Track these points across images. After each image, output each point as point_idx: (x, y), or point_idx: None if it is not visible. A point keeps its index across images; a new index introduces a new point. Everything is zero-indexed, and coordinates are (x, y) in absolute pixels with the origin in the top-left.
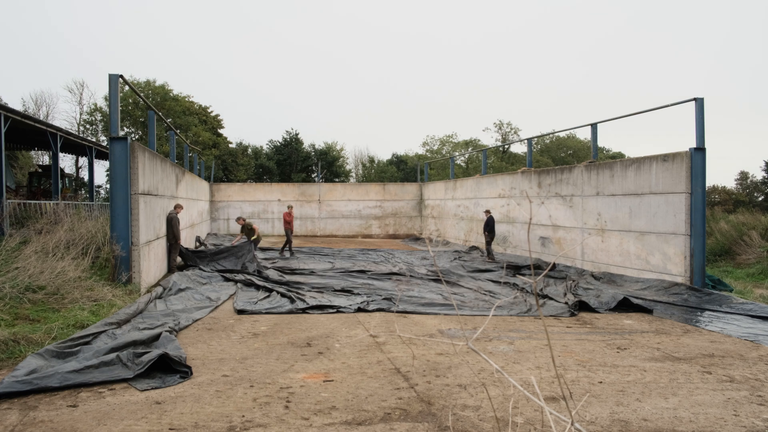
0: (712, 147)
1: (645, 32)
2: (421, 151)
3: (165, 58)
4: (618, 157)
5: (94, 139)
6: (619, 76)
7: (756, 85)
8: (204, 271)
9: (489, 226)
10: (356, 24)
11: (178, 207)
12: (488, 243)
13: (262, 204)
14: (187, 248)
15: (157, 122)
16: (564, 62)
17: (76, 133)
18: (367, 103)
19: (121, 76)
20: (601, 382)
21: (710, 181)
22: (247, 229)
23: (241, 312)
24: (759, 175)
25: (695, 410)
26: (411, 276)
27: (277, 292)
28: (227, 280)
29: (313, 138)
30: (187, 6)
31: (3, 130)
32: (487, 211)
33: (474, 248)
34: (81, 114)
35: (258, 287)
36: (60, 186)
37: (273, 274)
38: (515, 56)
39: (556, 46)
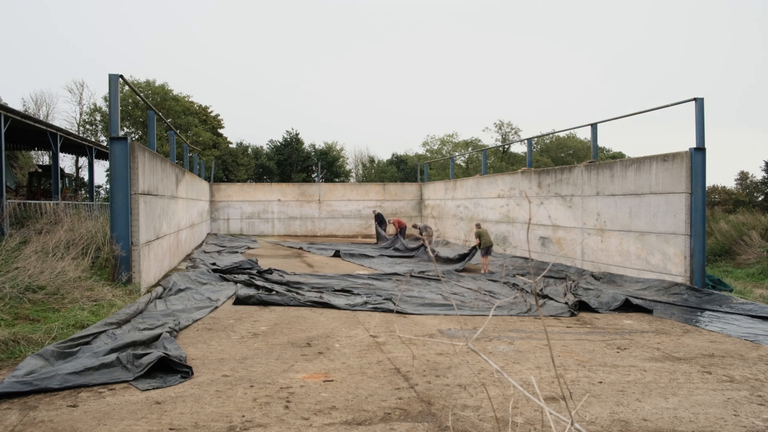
0: (711, 147)
1: (645, 32)
2: (421, 151)
3: (165, 58)
4: (618, 157)
5: (94, 139)
6: (619, 76)
7: (756, 84)
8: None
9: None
10: (356, 23)
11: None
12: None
13: (262, 204)
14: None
15: (157, 122)
16: (564, 62)
17: (76, 133)
18: (367, 102)
19: (121, 76)
20: (601, 382)
21: (710, 181)
22: None
23: (241, 301)
24: (759, 175)
25: (695, 410)
26: (411, 276)
27: (277, 292)
28: (226, 280)
29: (313, 138)
30: (187, 5)
31: (3, 130)
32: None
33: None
34: (81, 114)
35: (258, 287)
36: (60, 186)
37: (273, 274)
38: (516, 56)
39: (557, 45)
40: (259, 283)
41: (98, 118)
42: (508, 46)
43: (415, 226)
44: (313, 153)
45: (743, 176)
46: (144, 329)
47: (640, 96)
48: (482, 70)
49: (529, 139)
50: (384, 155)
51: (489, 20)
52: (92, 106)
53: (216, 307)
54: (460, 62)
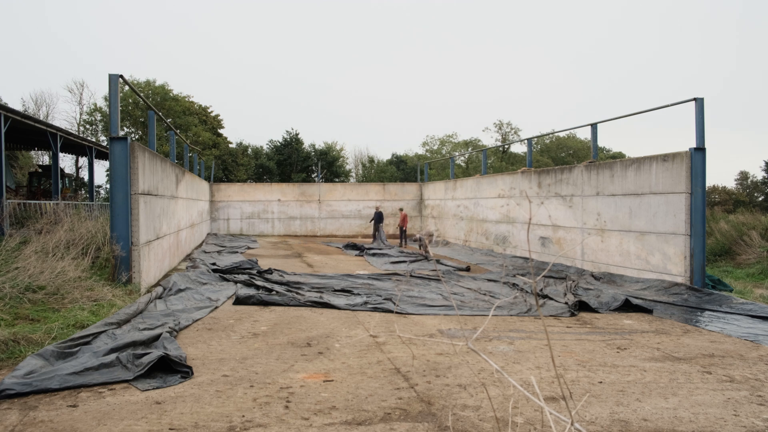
0: (711, 147)
1: (645, 32)
2: (421, 151)
3: (165, 58)
4: (618, 157)
5: (94, 139)
6: (619, 75)
7: (757, 84)
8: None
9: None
10: (355, 24)
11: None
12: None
13: (262, 204)
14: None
15: (157, 122)
16: (565, 62)
17: (76, 133)
18: (367, 102)
19: (121, 76)
20: (601, 382)
21: (710, 181)
22: None
23: (241, 301)
24: (759, 175)
25: (695, 410)
26: (411, 276)
27: (277, 292)
28: (226, 280)
29: (313, 138)
30: (186, 6)
31: (3, 130)
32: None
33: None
34: (81, 114)
35: (258, 287)
36: (60, 186)
37: (273, 274)
38: (516, 55)
39: (557, 45)
40: (259, 283)
41: (98, 117)
42: (509, 46)
43: (417, 238)
44: (313, 153)
45: (743, 176)
46: (144, 329)
47: (640, 96)
48: (482, 70)
49: (529, 139)
50: (384, 155)
51: (489, 20)
52: (92, 106)
53: (216, 307)
54: (460, 62)
